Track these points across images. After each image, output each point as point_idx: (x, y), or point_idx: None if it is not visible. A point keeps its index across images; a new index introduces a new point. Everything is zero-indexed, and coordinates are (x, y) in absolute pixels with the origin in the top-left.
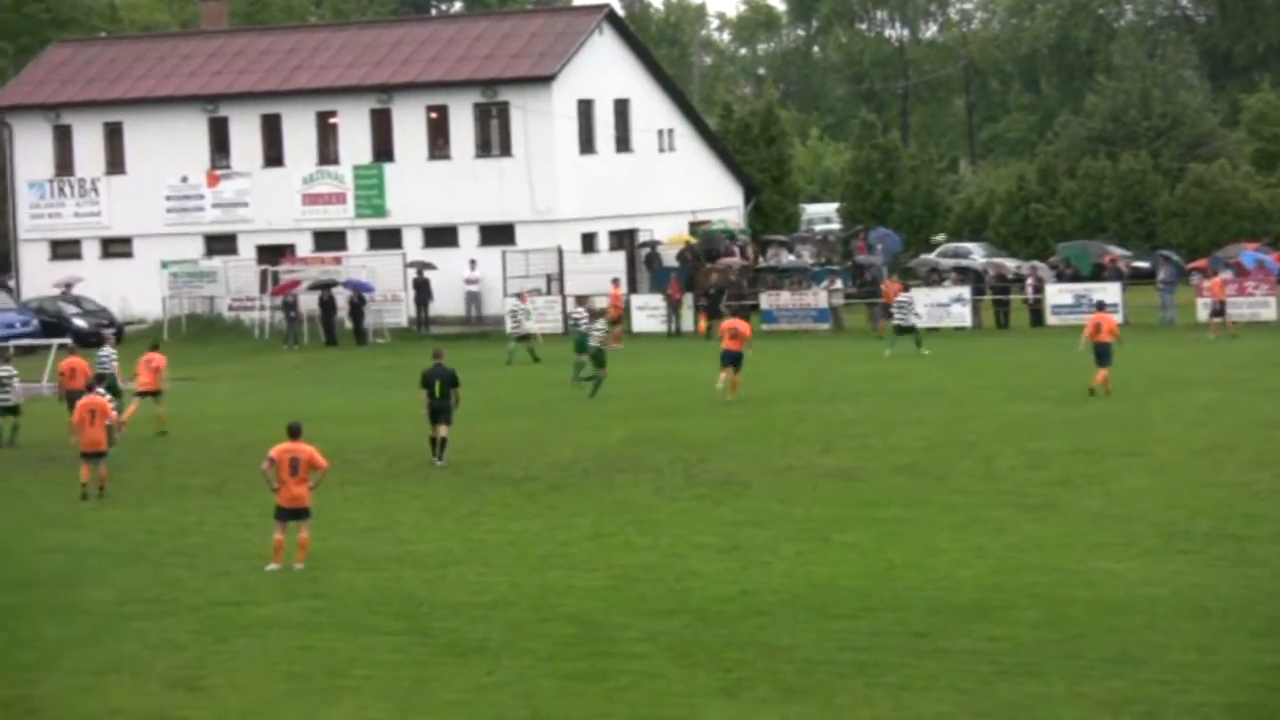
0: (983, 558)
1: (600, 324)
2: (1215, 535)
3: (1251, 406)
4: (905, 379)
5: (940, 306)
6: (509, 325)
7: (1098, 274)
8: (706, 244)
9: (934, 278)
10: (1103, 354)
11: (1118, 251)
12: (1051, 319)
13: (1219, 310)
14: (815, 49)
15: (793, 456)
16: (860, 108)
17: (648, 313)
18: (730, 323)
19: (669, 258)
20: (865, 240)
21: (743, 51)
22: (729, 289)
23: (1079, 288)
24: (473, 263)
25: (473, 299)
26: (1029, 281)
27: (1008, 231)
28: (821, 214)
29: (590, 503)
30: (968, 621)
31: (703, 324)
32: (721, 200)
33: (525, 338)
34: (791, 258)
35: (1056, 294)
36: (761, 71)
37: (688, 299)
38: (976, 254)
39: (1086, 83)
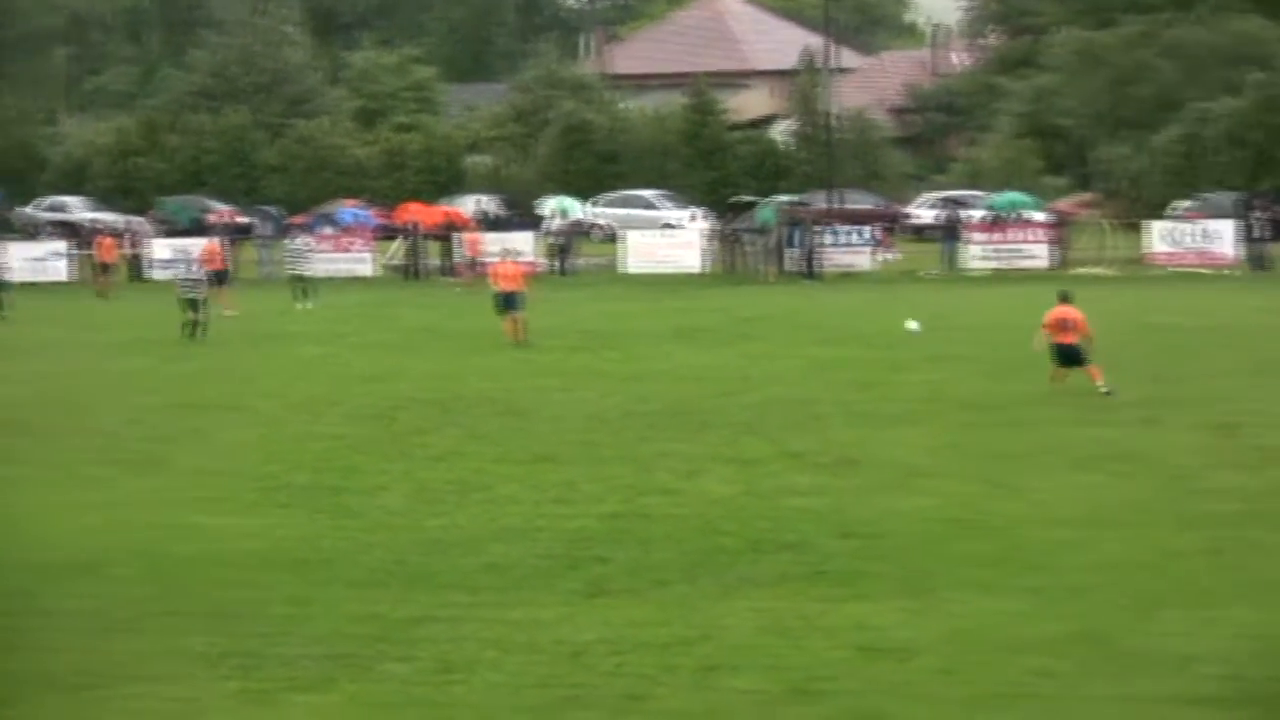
0: (84, 514)
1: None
2: (313, 488)
3: (352, 360)
4: None
5: (37, 261)
6: None
7: (199, 228)
8: None
9: (31, 230)
10: (512, 302)
11: (221, 206)
12: (154, 273)
13: (472, 264)
14: None
15: None
16: None
17: None
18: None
19: None
20: None
21: None
22: None
23: (180, 242)
24: None
25: None
26: (127, 237)
27: (109, 185)
28: None
29: None
30: (69, 579)
31: None
32: None
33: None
34: None
35: (159, 248)
36: None
37: None
38: (77, 208)
39: (190, 37)
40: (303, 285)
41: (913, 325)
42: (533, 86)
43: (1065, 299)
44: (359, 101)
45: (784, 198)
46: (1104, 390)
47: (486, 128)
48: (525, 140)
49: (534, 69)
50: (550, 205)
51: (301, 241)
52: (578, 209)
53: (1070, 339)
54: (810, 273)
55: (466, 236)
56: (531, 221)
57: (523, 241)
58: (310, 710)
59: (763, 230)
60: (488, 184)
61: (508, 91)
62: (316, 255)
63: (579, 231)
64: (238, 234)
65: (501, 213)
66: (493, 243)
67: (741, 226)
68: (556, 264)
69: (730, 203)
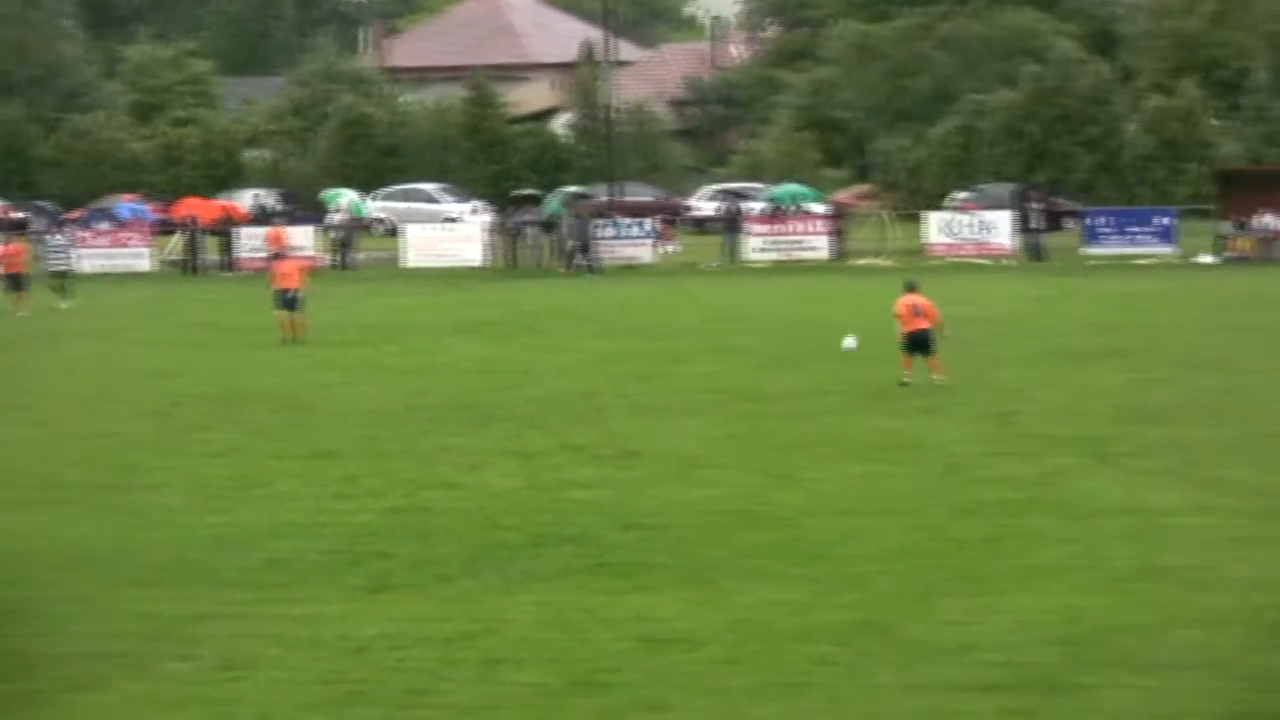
0: None
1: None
2: (92, 486)
3: (130, 357)
4: None
5: None
6: None
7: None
8: None
9: None
10: (291, 301)
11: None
12: None
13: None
14: None
15: None
16: None
17: None
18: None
19: None
20: None
21: None
22: None
23: None
24: None
25: None
26: None
27: None
28: None
29: None
30: None
31: None
32: None
33: None
34: None
35: None
36: None
37: None
38: None
39: None
40: (61, 283)
41: (850, 342)
42: (311, 80)
43: (912, 288)
44: (135, 95)
45: (573, 188)
46: (940, 381)
47: (265, 122)
48: (304, 134)
49: (312, 62)
50: (343, 200)
51: (63, 238)
52: (364, 208)
53: (922, 324)
54: (589, 265)
55: (270, 231)
56: (313, 216)
57: (303, 236)
58: (87, 710)
59: (550, 223)
60: (266, 178)
61: (286, 85)
62: (78, 251)
63: (359, 226)
64: (13, 230)
65: (280, 207)
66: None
67: (523, 219)
68: (338, 259)
69: (512, 196)
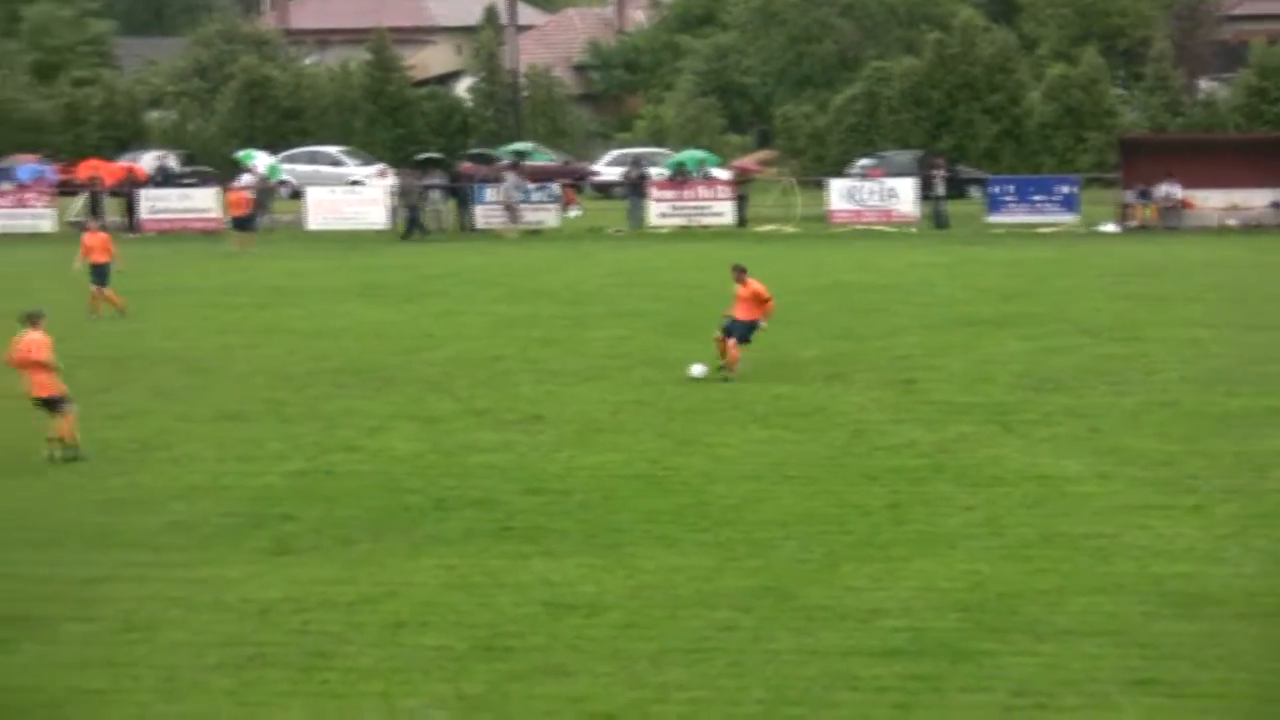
0: None
1: None
2: None
3: None
4: None
5: None
6: None
7: None
8: None
9: None
10: (103, 274)
11: None
12: None
13: (244, 223)
14: None
15: None
16: None
17: None
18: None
19: None
20: None
21: None
22: None
23: None
24: None
25: None
26: None
27: None
28: None
29: None
30: None
31: None
32: None
33: None
34: None
35: None
36: None
37: None
38: None
39: None
40: None
41: (697, 370)
42: (213, 41)
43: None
44: (35, 55)
45: (524, 145)
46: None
47: (167, 83)
48: (207, 96)
49: (214, 23)
50: (257, 161)
51: None
52: (280, 170)
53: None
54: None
55: (231, 196)
56: (215, 179)
57: (207, 198)
58: None
59: (455, 187)
60: (169, 140)
61: (188, 46)
62: None
63: (271, 188)
64: None
65: (183, 169)
66: (178, 199)
67: (427, 183)
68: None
69: (416, 160)
